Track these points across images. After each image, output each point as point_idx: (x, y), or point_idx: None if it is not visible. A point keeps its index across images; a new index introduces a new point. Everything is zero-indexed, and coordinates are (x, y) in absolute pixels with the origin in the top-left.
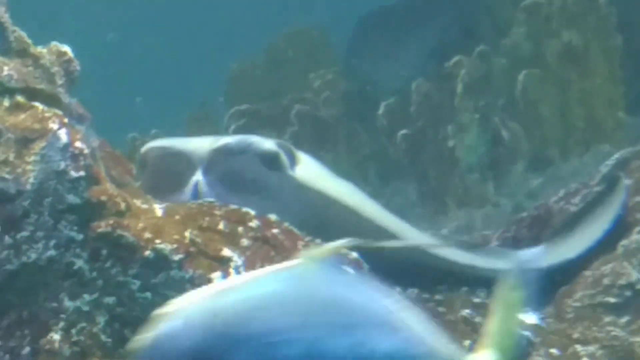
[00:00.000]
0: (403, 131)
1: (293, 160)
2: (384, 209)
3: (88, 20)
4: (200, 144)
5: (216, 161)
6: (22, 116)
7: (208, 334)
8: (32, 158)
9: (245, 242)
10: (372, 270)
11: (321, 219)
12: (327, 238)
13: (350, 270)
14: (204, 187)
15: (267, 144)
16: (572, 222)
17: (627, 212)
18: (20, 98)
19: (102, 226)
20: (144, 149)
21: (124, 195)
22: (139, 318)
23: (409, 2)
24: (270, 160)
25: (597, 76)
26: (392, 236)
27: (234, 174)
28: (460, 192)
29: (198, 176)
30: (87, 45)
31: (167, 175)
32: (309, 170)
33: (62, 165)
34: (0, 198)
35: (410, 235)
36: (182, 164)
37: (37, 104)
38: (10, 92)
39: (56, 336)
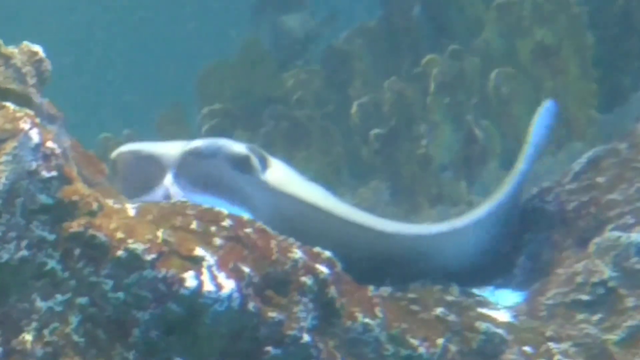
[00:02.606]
0: (376, 130)
1: (264, 164)
2: (356, 209)
3: (58, 20)
4: (171, 148)
5: (186, 164)
6: None
7: None
8: (4, 158)
9: (218, 241)
10: (345, 269)
11: (292, 222)
12: (298, 240)
13: None
14: (174, 191)
15: (238, 147)
16: None
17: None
18: None
19: (75, 226)
20: (114, 154)
21: (96, 195)
22: (111, 318)
23: None
24: (240, 164)
25: (569, 74)
26: (367, 232)
27: (204, 178)
28: (433, 191)
29: (169, 180)
30: (59, 46)
31: (139, 180)
32: (280, 173)
33: (34, 165)
34: None
35: (387, 224)
36: (152, 167)
37: (8, 104)
38: None
39: (28, 337)
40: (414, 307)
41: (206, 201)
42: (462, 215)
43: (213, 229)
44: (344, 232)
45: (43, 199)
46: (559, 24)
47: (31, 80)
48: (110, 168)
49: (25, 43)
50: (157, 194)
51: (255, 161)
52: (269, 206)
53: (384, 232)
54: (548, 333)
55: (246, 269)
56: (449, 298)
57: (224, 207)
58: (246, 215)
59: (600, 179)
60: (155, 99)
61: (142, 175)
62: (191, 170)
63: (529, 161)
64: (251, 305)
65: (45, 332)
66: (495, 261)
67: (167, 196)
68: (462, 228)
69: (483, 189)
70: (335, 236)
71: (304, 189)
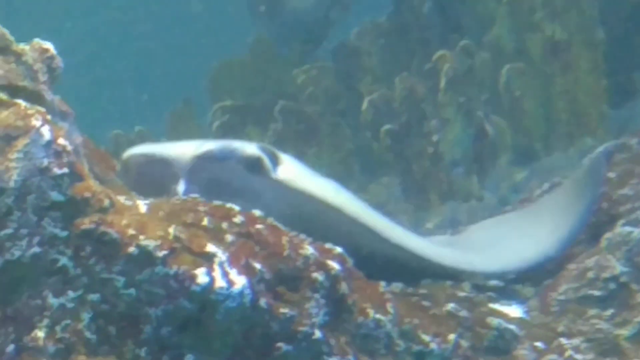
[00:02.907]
0: (387, 126)
1: (275, 162)
2: (368, 207)
3: (69, 18)
4: (183, 150)
5: (199, 168)
6: (5, 113)
7: None
8: (15, 155)
9: (229, 237)
10: (357, 266)
11: (306, 220)
12: (310, 236)
13: None
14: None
15: (250, 149)
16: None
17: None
18: (2, 95)
19: (86, 223)
20: (125, 155)
21: (108, 192)
22: (123, 315)
23: None
24: (253, 166)
25: (580, 69)
26: (376, 235)
27: (217, 181)
28: (444, 187)
29: (181, 186)
30: (70, 43)
31: (150, 183)
32: (291, 170)
33: (45, 162)
34: None
35: (395, 233)
36: (164, 171)
37: (19, 101)
38: None
39: (40, 333)
40: (426, 303)
41: None
42: (484, 255)
43: (224, 225)
44: (352, 229)
45: (54, 196)
46: (570, 19)
47: (42, 78)
48: (120, 169)
49: (36, 40)
50: None
51: (266, 161)
52: (281, 204)
53: (390, 240)
54: (559, 328)
55: (258, 266)
56: (461, 294)
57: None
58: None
59: (611, 174)
60: (166, 96)
61: (153, 178)
62: (204, 173)
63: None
64: (263, 302)
65: (57, 328)
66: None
67: None
68: (473, 271)
69: (494, 184)
70: (345, 233)
71: (315, 185)
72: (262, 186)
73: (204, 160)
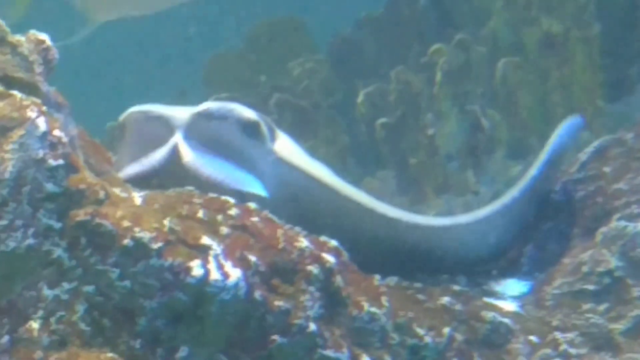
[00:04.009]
0: (382, 119)
1: (273, 135)
2: (361, 191)
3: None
4: (181, 109)
5: (196, 125)
6: (0, 105)
7: None
8: (11, 146)
9: (224, 230)
10: (352, 259)
11: (296, 194)
12: (301, 213)
13: None
14: (182, 149)
15: (249, 112)
16: None
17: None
18: None
19: (81, 215)
20: (124, 114)
21: (103, 184)
22: (118, 307)
23: None
24: (250, 129)
25: (576, 64)
26: (370, 213)
27: (213, 139)
28: (439, 181)
29: (177, 138)
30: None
31: (147, 139)
32: (288, 147)
33: (41, 153)
34: None
35: (389, 208)
36: (162, 127)
37: (15, 92)
38: None
39: (35, 325)
40: (420, 297)
41: (216, 163)
42: (464, 213)
43: (219, 217)
44: (347, 209)
45: (50, 187)
46: (566, 13)
47: (38, 69)
48: (117, 131)
49: (32, 31)
50: (165, 150)
51: (264, 129)
52: (273, 175)
53: (386, 215)
54: (554, 322)
55: (252, 258)
56: (455, 287)
57: (233, 169)
58: (253, 180)
59: (606, 169)
60: (160, 88)
61: (151, 134)
62: (201, 131)
63: (541, 168)
64: (257, 294)
65: (52, 320)
66: (497, 258)
67: (175, 155)
68: (460, 224)
69: (489, 178)
70: (338, 214)
71: (310, 165)
72: (257, 151)
73: (201, 117)
